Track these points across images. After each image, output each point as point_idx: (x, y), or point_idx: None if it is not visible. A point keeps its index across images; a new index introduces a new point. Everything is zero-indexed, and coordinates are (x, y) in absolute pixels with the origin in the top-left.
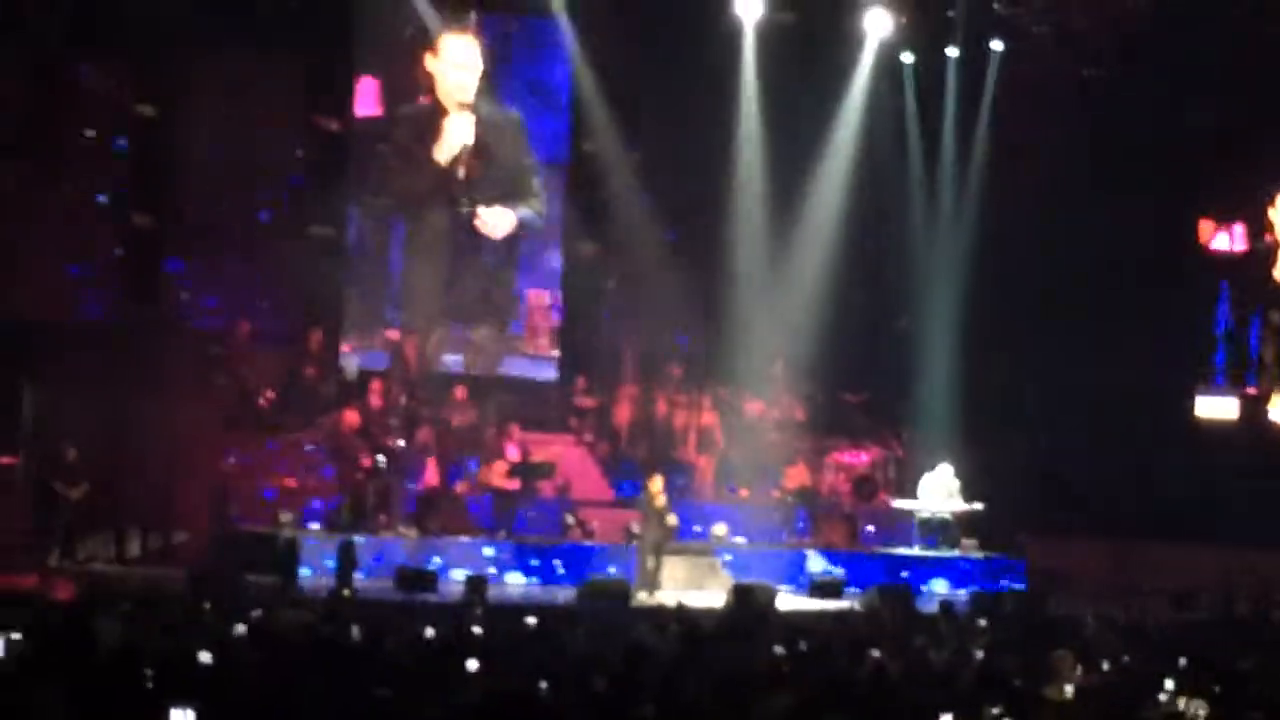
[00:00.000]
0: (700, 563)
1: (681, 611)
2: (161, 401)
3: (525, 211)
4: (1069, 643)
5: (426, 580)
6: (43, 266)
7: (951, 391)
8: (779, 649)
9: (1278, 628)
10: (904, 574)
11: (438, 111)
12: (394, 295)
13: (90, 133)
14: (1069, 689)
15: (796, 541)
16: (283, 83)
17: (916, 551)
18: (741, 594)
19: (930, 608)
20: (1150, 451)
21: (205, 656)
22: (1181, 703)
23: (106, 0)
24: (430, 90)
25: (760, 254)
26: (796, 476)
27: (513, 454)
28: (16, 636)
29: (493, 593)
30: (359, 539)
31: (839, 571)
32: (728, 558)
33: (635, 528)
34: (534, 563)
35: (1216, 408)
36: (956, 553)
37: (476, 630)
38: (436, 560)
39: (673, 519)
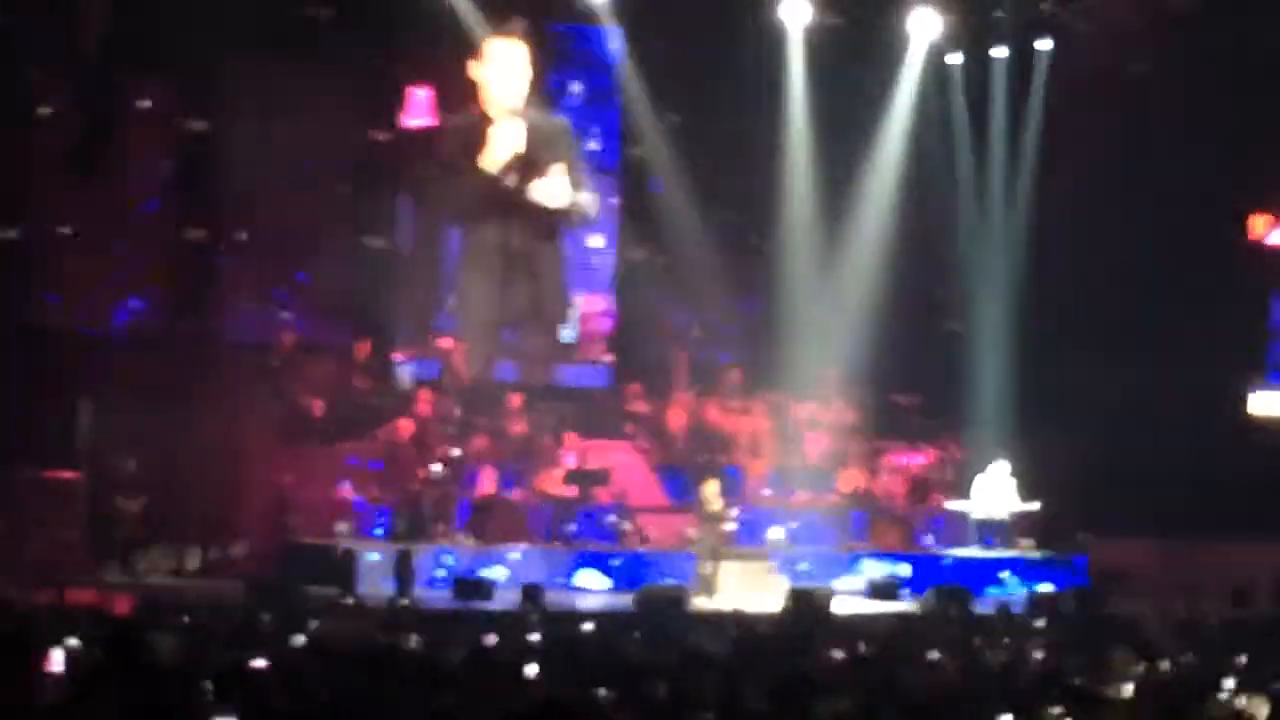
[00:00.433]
0: (756, 567)
1: (738, 616)
2: (217, 414)
3: (586, 198)
4: (1128, 641)
5: (483, 589)
6: (96, 281)
7: (1005, 391)
8: (837, 652)
9: None
10: (961, 575)
11: (485, 120)
12: (446, 304)
13: (141, 148)
14: (1129, 688)
15: (852, 545)
16: (332, 94)
17: (973, 552)
18: (798, 598)
19: (988, 608)
20: (1205, 448)
21: (260, 663)
22: (1242, 700)
23: (154, 17)
24: (477, 99)
25: (811, 257)
26: (851, 480)
27: (570, 461)
28: (75, 644)
29: (549, 600)
30: (416, 549)
31: (901, 570)
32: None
33: (691, 533)
34: (590, 570)
35: (1270, 404)
36: (1013, 553)
37: (533, 638)
38: (493, 569)
39: (729, 524)
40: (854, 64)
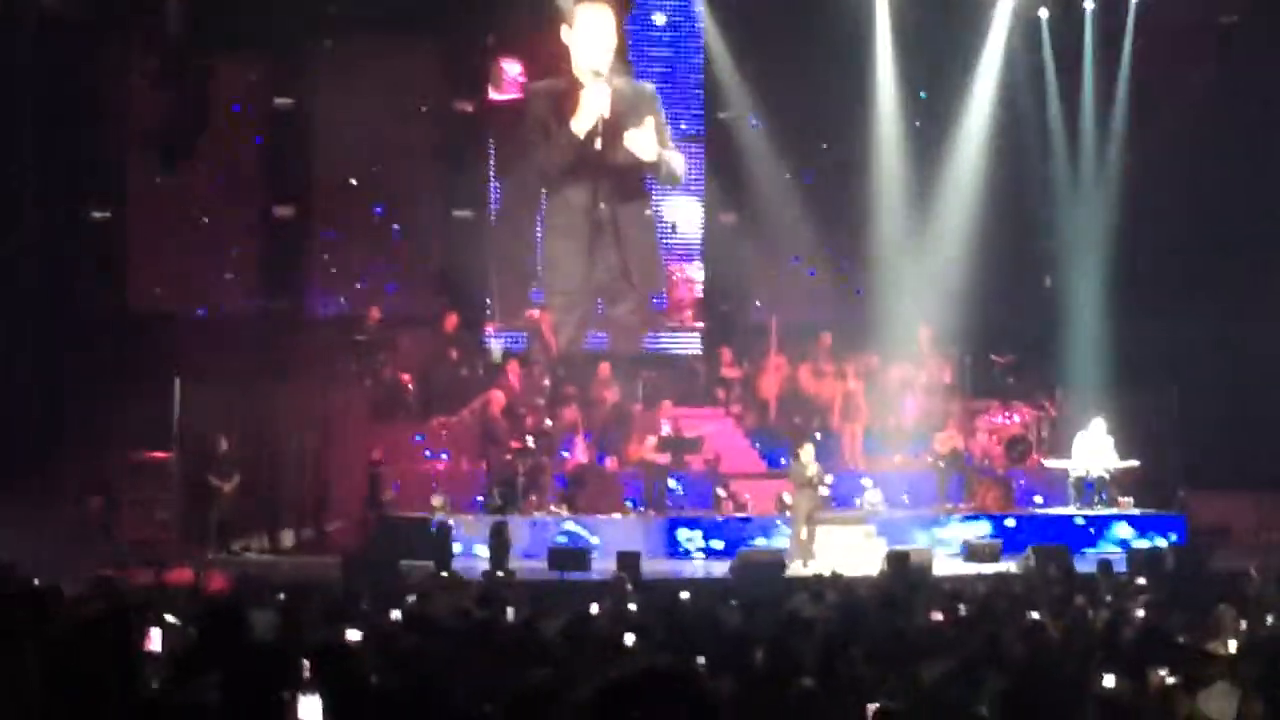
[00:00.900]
0: (854, 531)
1: (837, 580)
2: (310, 391)
3: (669, 155)
4: (1231, 598)
5: (579, 559)
6: (186, 262)
7: (1101, 348)
8: (937, 614)
9: None
10: (1062, 534)
11: (574, 85)
12: (538, 275)
13: (229, 127)
14: (1232, 644)
15: (950, 506)
16: (418, 67)
17: (1073, 511)
18: (896, 560)
19: (1088, 567)
20: None
21: (354, 635)
22: None
23: None
24: (566, 64)
25: (901, 217)
26: (947, 441)
27: (663, 429)
28: (173, 622)
29: (646, 569)
30: (511, 520)
31: (999, 530)
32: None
33: (787, 498)
34: (687, 537)
35: None
36: (1114, 510)
37: (631, 607)
38: (589, 538)
39: (824, 488)
40: (942, 21)
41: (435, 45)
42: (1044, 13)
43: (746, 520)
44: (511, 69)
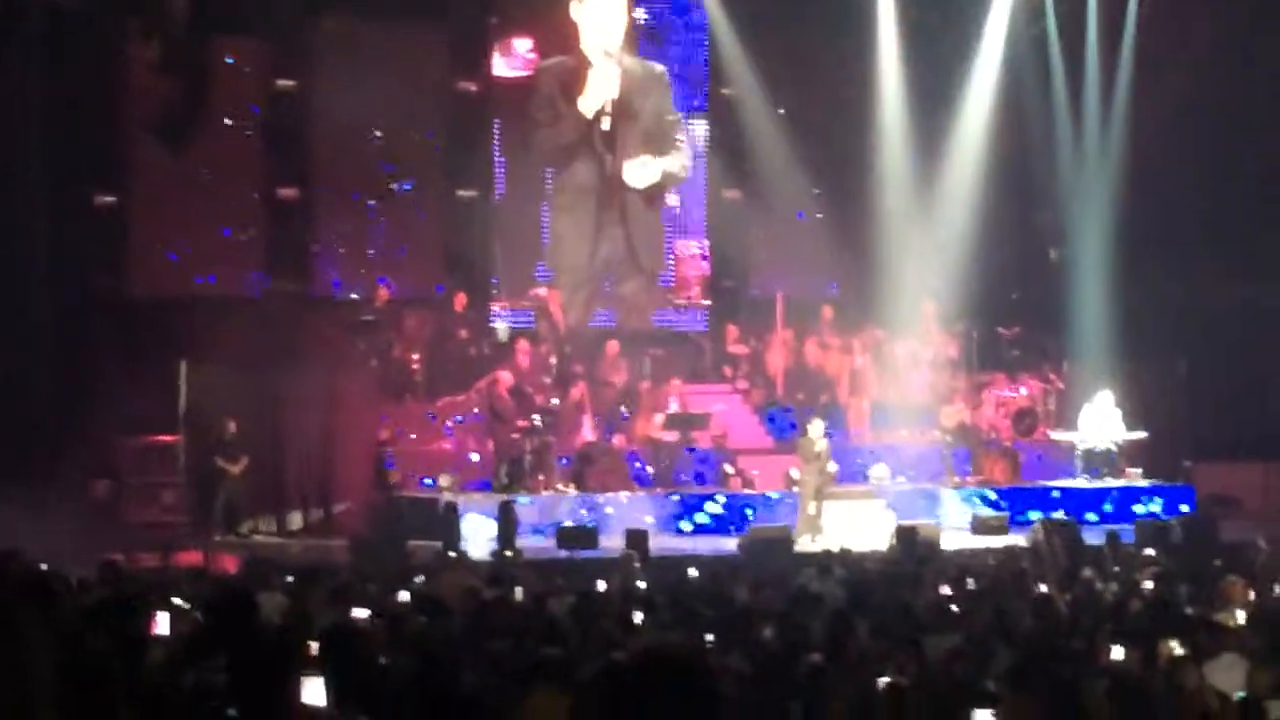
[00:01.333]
0: (862, 505)
1: (845, 555)
2: (315, 373)
3: (672, 163)
4: (1239, 568)
5: (588, 537)
6: (191, 245)
7: (1108, 320)
8: (945, 589)
9: None
10: (1069, 507)
11: (583, 63)
12: (543, 254)
13: (231, 110)
14: (1241, 615)
15: (958, 480)
16: (422, 47)
17: (1081, 483)
18: (905, 535)
19: (1097, 540)
20: None
21: (362, 613)
22: None
23: None
24: (575, 41)
25: (906, 191)
26: (954, 414)
27: (670, 406)
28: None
29: (654, 546)
30: (519, 500)
31: (1007, 503)
32: (889, 499)
33: (795, 474)
34: (695, 514)
35: None
36: (1122, 482)
37: (640, 585)
38: (598, 516)
39: (833, 464)
40: None
41: (438, 24)
42: None
43: (755, 496)
44: (521, 45)
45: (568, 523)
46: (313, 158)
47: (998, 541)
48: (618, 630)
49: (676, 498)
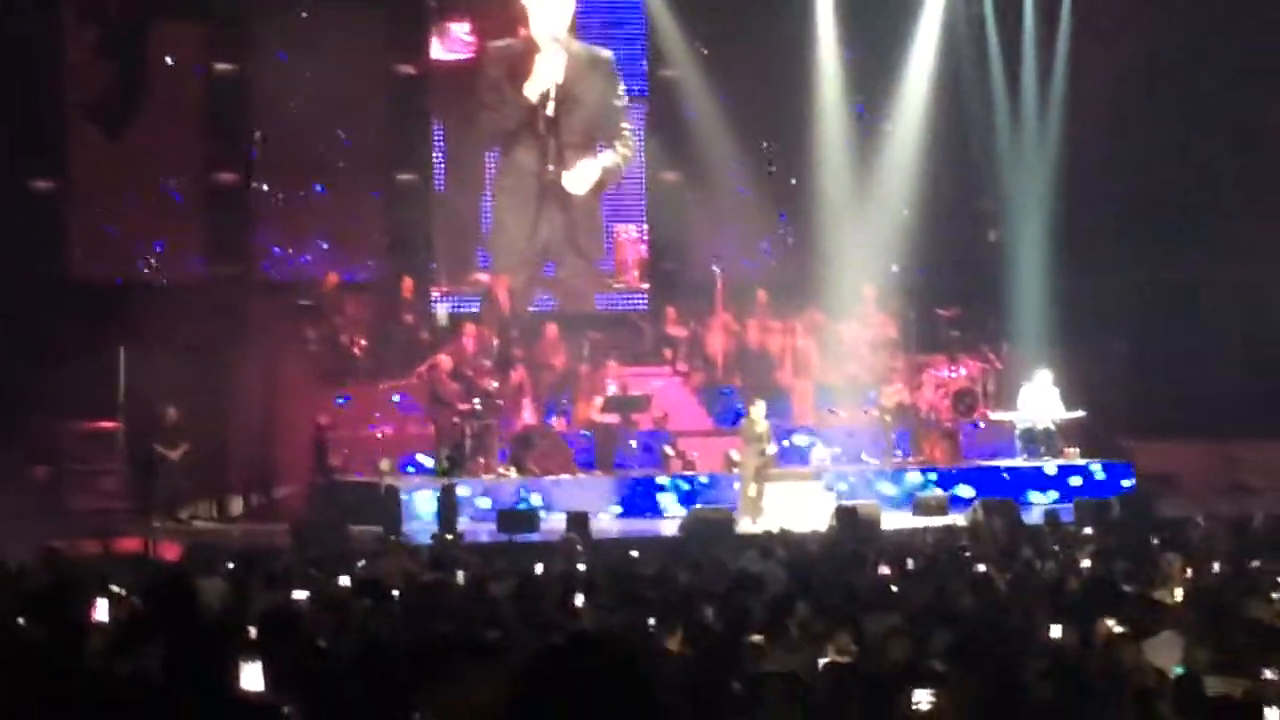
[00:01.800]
0: (802, 486)
1: (786, 536)
2: (256, 358)
3: (610, 158)
4: (1177, 545)
5: (528, 520)
6: (131, 230)
7: (1046, 299)
8: (885, 569)
9: None
10: (1008, 486)
11: (530, 47)
12: (483, 238)
13: (171, 94)
14: (1179, 592)
15: (897, 460)
16: (361, 30)
17: (1020, 463)
18: (845, 515)
19: (1035, 519)
20: (1250, 347)
21: (301, 594)
22: None
23: None
24: (523, 25)
25: (845, 173)
26: (894, 395)
27: (611, 389)
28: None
29: (595, 528)
30: (459, 483)
31: (947, 484)
32: (829, 480)
33: (736, 455)
34: (635, 496)
35: None
36: (1060, 462)
37: (581, 567)
38: (537, 500)
39: (773, 445)
40: None
41: (377, 7)
42: None
43: (695, 478)
44: (460, 29)
45: (508, 506)
46: (252, 142)
47: (937, 521)
48: (558, 613)
49: (616, 478)
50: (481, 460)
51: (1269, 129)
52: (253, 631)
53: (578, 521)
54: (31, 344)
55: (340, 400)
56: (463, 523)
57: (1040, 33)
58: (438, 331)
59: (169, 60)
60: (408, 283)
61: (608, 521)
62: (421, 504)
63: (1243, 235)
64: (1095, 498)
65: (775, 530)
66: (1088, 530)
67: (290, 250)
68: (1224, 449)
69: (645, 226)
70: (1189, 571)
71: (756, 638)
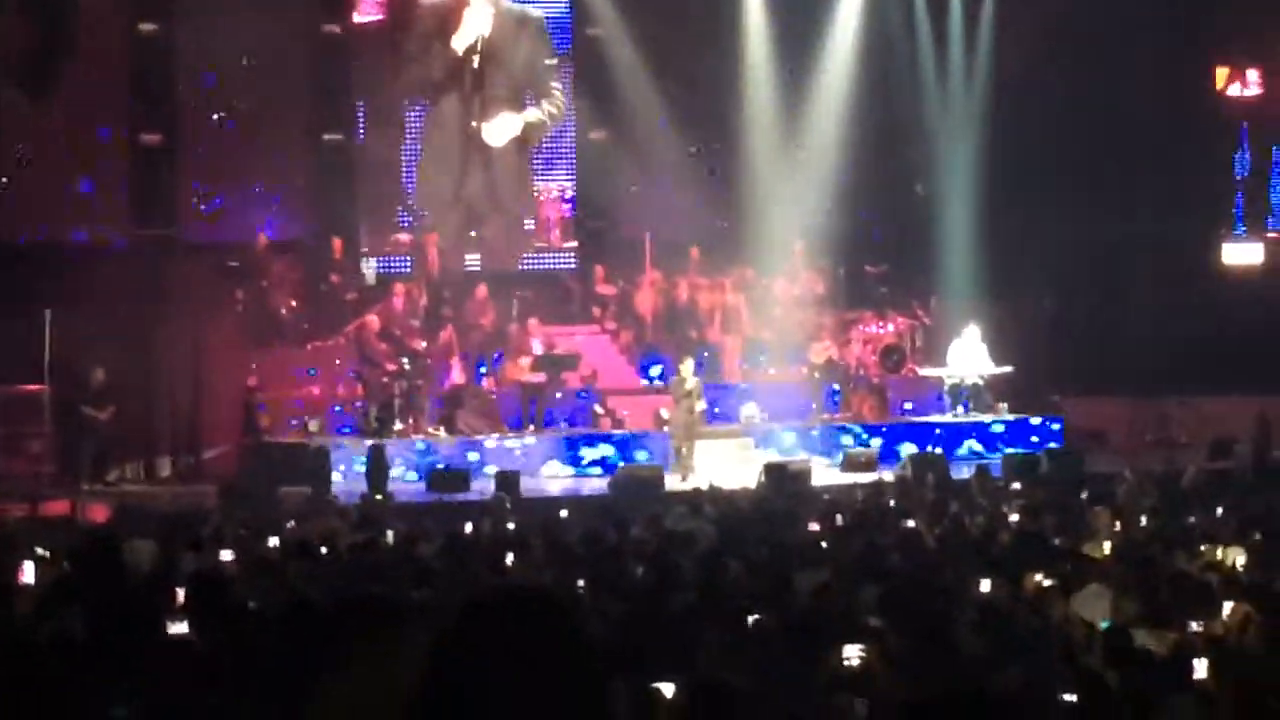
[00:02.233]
0: (732, 444)
1: (716, 494)
2: (183, 320)
3: (534, 114)
4: (1105, 500)
5: (458, 480)
6: (55, 192)
7: (974, 255)
8: (815, 525)
9: None
10: (937, 441)
11: (460, 3)
12: (405, 198)
13: (93, 55)
14: (1107, 545)
15: (826, 416)
16: None
17: (948, 418)
18: (774, 472)
19: (965, 474)
20: (1179, 302)
21: (227, 556)
22: (1219, 552)
23: None
24: None
25: (772, 130)
26: (823, 351)
27: (536, 348)
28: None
29: (524, 487)
30: (388, 443)
31: (876, 439)
32: (758, 437)
33: (665, 413)
34: (564, 455)
35: (1242, 254)
36: (989, 417)
37: (510, 526)
38: (467, 458)
39: (702, 402)
40: None
41: None
42: None
43: (625, 436)
44: None
45: (437, 466)
46: (176, 102)
47: (866, 477)
48: (488, 572)
49: (545, 437)
50: (411, 420)
51: (1196, 85)
52: (181, 593)
53: (507, 480)
54: None
55: (311, 371)
56: (392, 483)
57: None
58: (365, 291)
59: (91, 21)
60: (337, 243)
61: (536, 480)
62: (350, 464)
63: (1170, 191)
64: (1024, 452)
65: (705, 488)
66: (1016, 485)
67: (216, 211)
68: (1151, 405)
69: (569, 185)
70: (1117, 525)
71: (688, 596)
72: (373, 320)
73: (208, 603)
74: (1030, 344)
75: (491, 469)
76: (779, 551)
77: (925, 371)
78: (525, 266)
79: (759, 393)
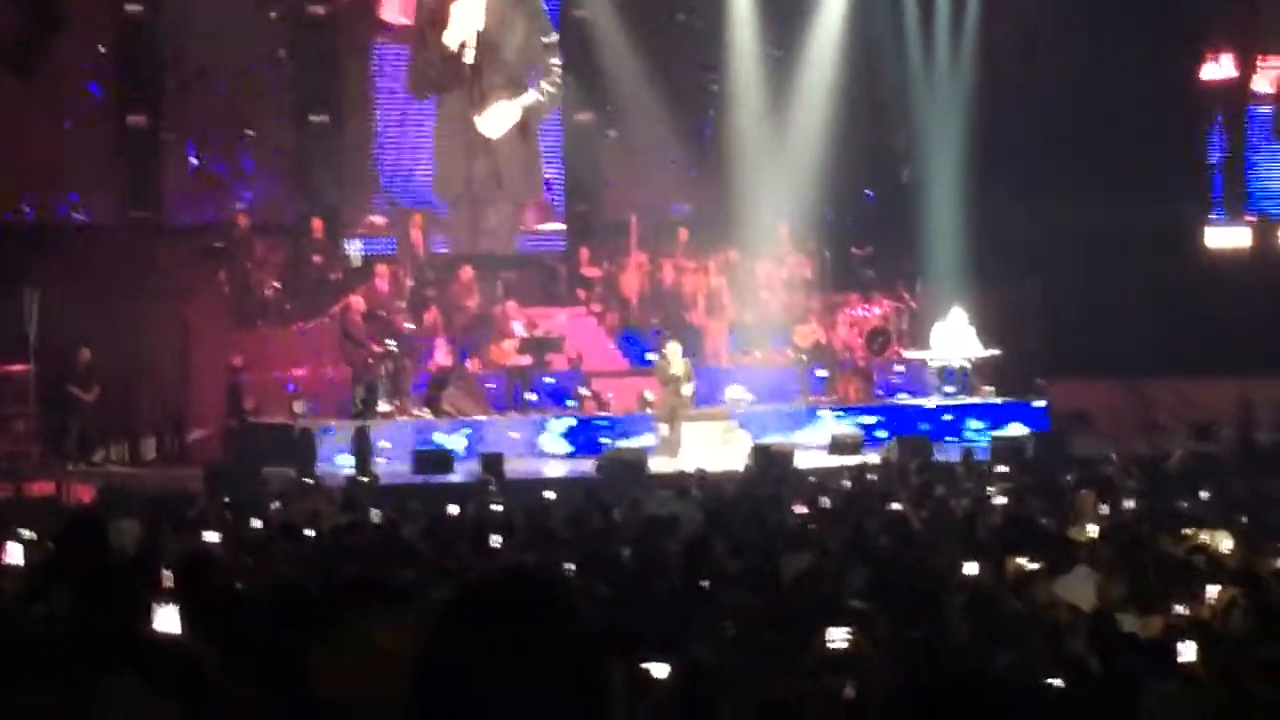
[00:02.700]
0: (718, 427)
1: (702, 477)
2: (168, 300)
3: (531, 97)
4: (1091, 482)
5: (443, 461)
6: (41, 172)
7: (959, 239)
8: (801, 508)
9: None
10: (923, 424)
11: None
12: (390, 180)
13: (81, 36)
14: (1092, 529)
15: (812, 399)
16: None
17: (934, 401)
18: (760, 455)
19: (950, 457)
20: (1163, 286)
21: (212, 537)
22: (1206, 536)
23: None
24: None
25: (759, 114)
26: (808, 334)
27: (520, 330)
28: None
29: (510, 469)
30: (374, 425)
31: (862, 422)
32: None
33: (650, 396)
34: (550, 437)
35: (1227, 238)
36: (974, 400)
37: (496, 508)
38: (452, 440)
39: (690, 385)
40: None
41: None
42: None
43: (611, 419)
44: None
45: (423, 447)
46: (164, 83)
47: (852, 460)
48: (473, 554)
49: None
50: (396, 402)
51: (1183, 72)
52: (167, 575)
53: (493, 462)
54: None
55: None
56: (377, 465)
57: None
58: (350, 272)
59: (80, 2)
60: (318, 224)
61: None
62: (335, 446)
63: (1155, 175)
64: (1010, 436)
65: (691, 470)
66: (1002, 468)
67: (201, 192)
68: (1136, 388)
69: (560, 167)
70: (1103, 509)
71: (674, 578)
72: (357, 301)
73: (195, 585)
74: (1016, 327)
75: (477, 451)
76: (765, 534)
77: (911, 354)
78: (511, 249)
79: (744, 375)
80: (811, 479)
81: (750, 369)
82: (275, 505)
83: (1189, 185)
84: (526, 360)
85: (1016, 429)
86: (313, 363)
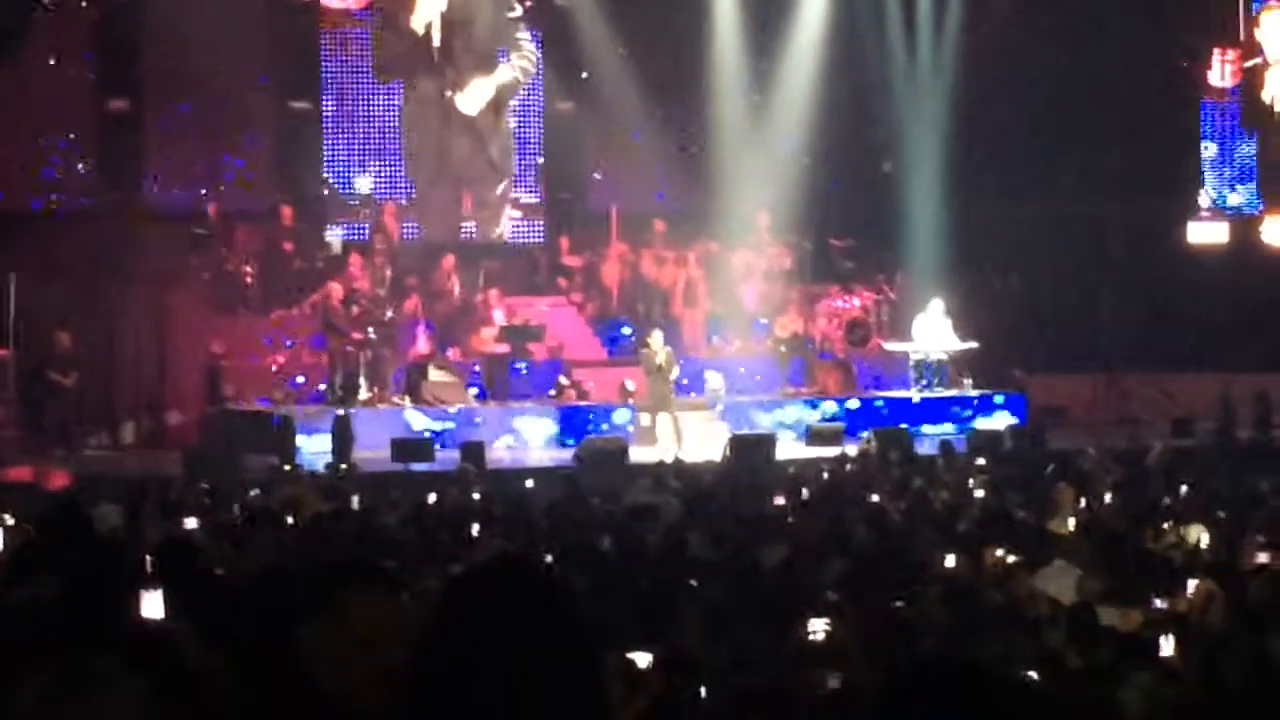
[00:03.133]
0: (697, 417)
1: (681, 467)
2: (148, 285)
3: (506, 73)
4: (1069, 476)
5: (423, 450)
6: (19, 156)
7: (940, 231)
8: (780, 499)
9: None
10: (901, 417)
11: None
12: (371, 167)
13: (62, 21)
14: (1071, 522)
15: (792, 390)
16: None
17: (913, 393)
18: (739, 446)
19: (929, 449)
20: (1142, 281)
21: (192, 523)
22: (1184, 530)
23: None
24: None
25: (740, 104)
26: (788, 325)
27: (499, 318)
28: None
29: (490, 458)
30: (353, 412)
31: (841, 413)
32: (722, 410)
33: (630, 385)
34: (530, 425)
35: (1208, 233)
36: (953, 392)
37: (476, 497)
38: (432, 428)
39: (672, 375)
40: None
41: None
42: None
43: (590, 408)
44: None
45: (402, 436)
46: (143, 68)
47: (832, 451)
48: (454, 542)
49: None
50: (376, 389)
51: (1164, 63)
52: (149, 560)
53: (472, 451)
54: None
55: (289, 343)
56: (357, 453)
57: None
58: (331, 260)
59: None
60: (287, 211)
61: (501, 450)
62: (315, 433)
63: (1136, 169)
64: (988, 429)
65: (670, 460)
66: (980, 461)
67: (181, 178)
68: (1114, 381)
69: (540, 155)
70: (1082, 502)
71: (653, 567)
72: (336, 288)
73: (178, 570)
74: (995, 320)
75: (456, 440)
76: (744, 525)
77: (890, 346)
78: (491, 237)
79: (724, 365)
80: (790, 470)
81: (729, 359)
82: (255, 492)
83: (1173, 180)
84: (505, 349)
85: (995, 421)
86: (293, 350)
